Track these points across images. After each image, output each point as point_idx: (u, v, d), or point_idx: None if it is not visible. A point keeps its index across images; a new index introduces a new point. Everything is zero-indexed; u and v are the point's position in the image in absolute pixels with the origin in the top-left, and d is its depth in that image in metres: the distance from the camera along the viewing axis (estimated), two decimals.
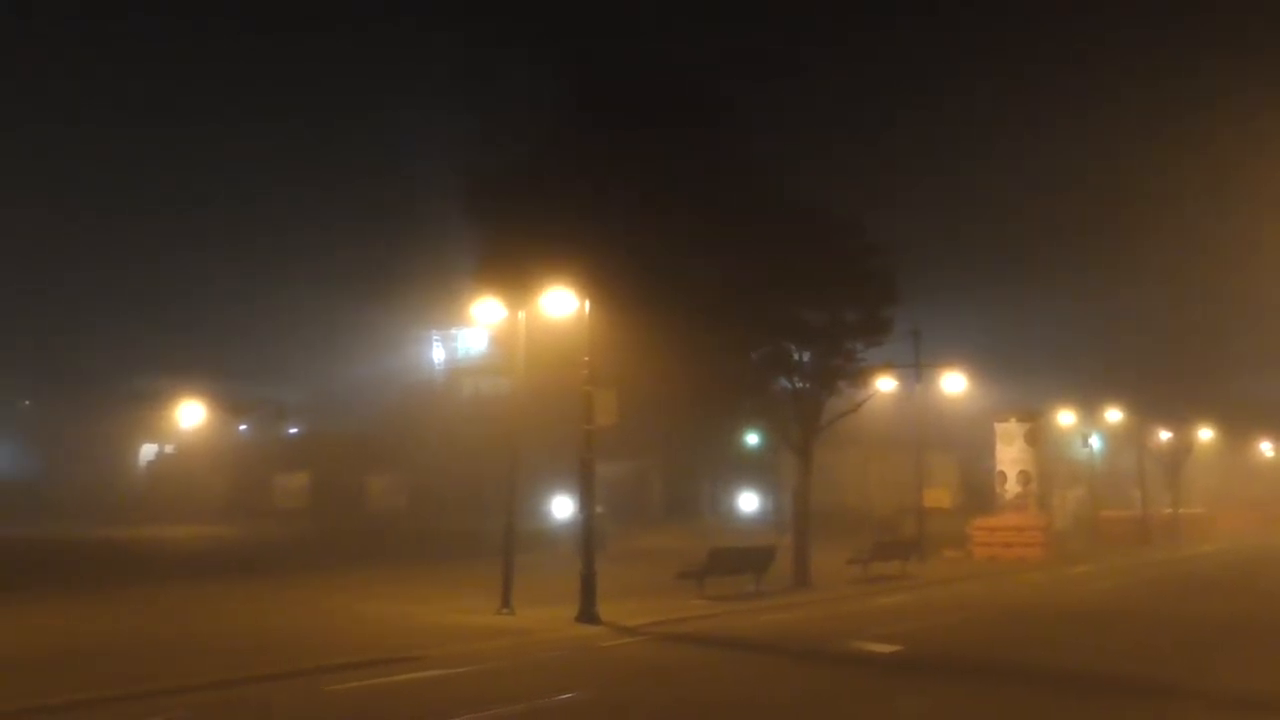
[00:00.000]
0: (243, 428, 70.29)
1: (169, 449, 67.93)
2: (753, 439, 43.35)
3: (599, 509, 19.09)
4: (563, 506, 33.57)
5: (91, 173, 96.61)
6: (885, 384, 29.71)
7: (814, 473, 24.59)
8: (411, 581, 23.84)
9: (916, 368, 32.43)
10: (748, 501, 49.60)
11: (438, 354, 76.46)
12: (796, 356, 24.39)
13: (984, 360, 38.50)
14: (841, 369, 24.52)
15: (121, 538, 38.13)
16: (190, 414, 58.87)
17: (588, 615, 17.36)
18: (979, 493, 42.13)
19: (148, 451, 69.75)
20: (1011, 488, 35.65)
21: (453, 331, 73.83)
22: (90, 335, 79.07)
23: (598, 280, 17.90)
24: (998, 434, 36.34)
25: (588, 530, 18.17)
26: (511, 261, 19.19)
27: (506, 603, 18.02)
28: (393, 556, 30.85)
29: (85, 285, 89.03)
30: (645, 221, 20.70)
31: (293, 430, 73.96)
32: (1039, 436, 36.45)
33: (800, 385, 24.26)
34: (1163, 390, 46.62)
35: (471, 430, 56.37)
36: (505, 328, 20.07)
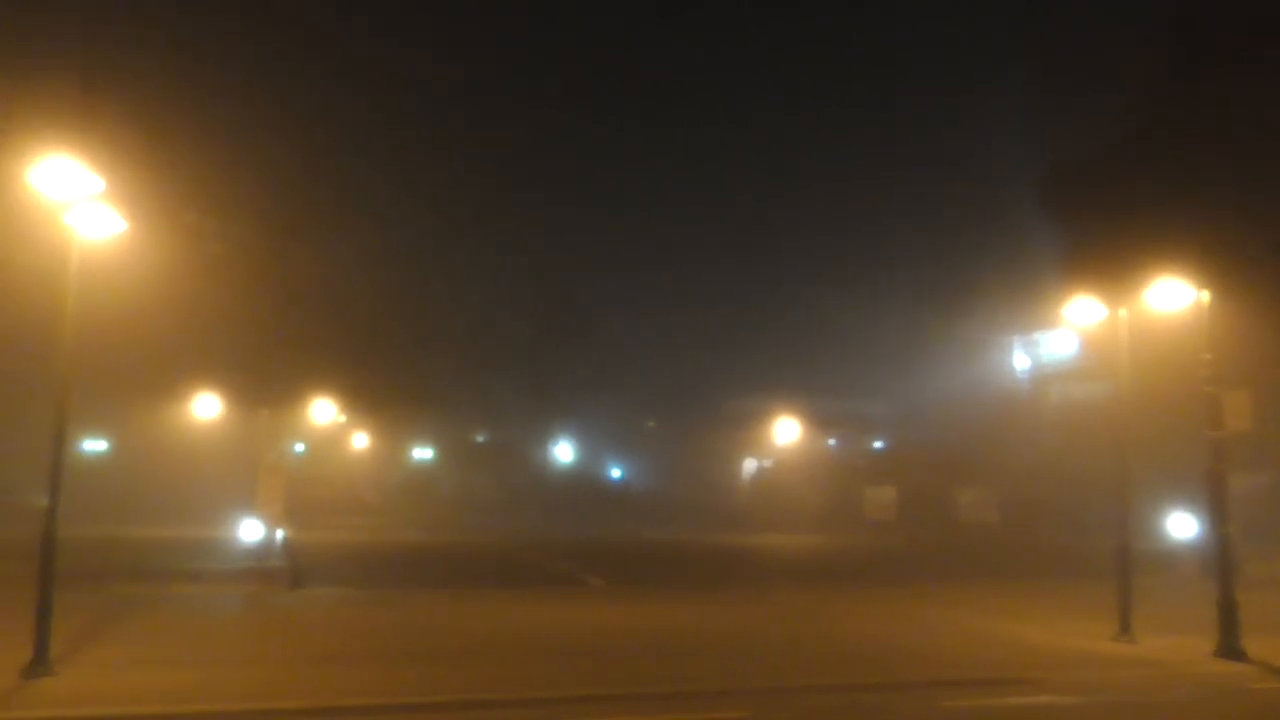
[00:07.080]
0: (832, 442, 73.83)
1: (768, 463, 73.74)
2: None
3: (1231, 527, 16.58)
4: (1181, 524, 29.84)
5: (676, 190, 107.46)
6: None
7: None
8: (1010, 598, 22.80)
9: None
10: None
11: (1020, 361, 73.16)
12: None
13: None
14: None
15: (732, 544, 42.20)
16: (786, 430, 63.89)
17: (1229, 650, 15.10)
18: None
19: (749, 466, 76.50)
20: None
21: (1035, 336, 70.21)
22: (702, 359, 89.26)
23: (1217, 264, 15.65)
24: None
25: (1223, 551, 15.86)
26: (1108, 253, 17.57)
27: (1126, 629, 16.40)
28: (986, 571, 29.96)
29: (695, 314, 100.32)
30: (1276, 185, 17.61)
31: (878, 444, 75.83)
32: None
33: None
34: None
35: (1063, 440, 53.01)
36: (1101, 328, 18.43)
